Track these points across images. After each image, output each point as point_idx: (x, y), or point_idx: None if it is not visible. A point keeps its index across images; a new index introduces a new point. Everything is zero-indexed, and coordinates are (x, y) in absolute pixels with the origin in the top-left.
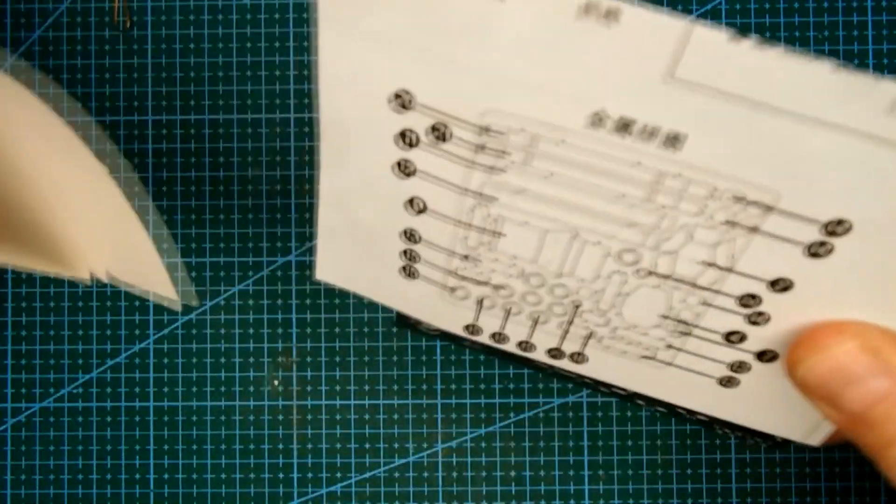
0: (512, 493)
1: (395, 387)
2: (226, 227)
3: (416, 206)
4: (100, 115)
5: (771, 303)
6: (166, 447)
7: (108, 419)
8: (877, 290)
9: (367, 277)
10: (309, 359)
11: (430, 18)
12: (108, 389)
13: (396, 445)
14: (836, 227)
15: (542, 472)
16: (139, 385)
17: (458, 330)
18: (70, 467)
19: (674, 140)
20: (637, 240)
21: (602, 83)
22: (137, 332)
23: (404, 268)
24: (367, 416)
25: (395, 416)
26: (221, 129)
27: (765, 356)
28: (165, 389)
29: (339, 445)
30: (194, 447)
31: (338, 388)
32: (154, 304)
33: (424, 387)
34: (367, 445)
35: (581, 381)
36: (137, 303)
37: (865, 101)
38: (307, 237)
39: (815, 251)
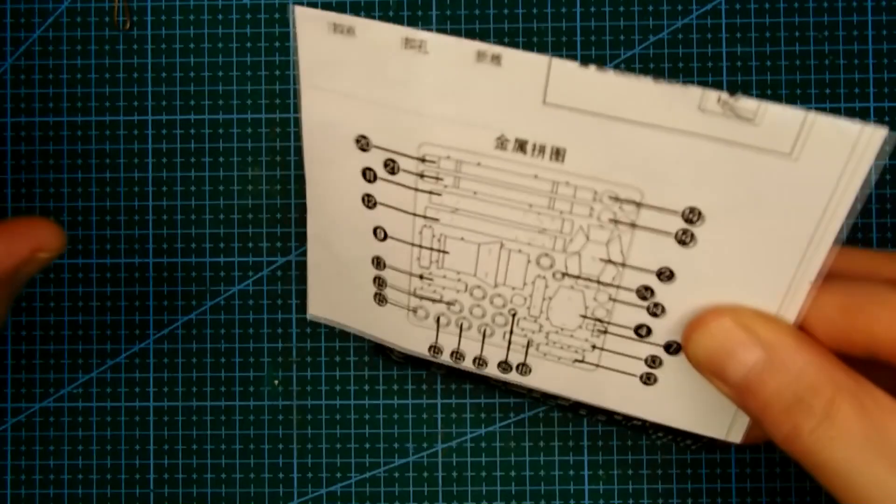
0: (512, 493)
1: (395, 387)
2: (226, 227)
3: (379, 234)
4: (100, 115)
5: (662, 293)
6: (166, 447)
7: (108, 419)
8: (740, 271)
9: (349, 309)
10: (309, 359)
11: (375, 74)
12: (108, 389)
13: (396, 445)
14: (692, 216)
15: (542, 472)
16: (139, 385)
17: (423, 351)
18: (70, 467)
19: (558, 153)
20: (549, 244)
21: (500, 112)
22: (137, 332)
23: (376, 295)
24: (367, 416)
25: (395, 416)
26: (221, 129)
27: (671, 348)
28: (165, 389)
29: (339, 445)
30: (194, 447)
31: (338, 388)
32: (154, 303)
33: (424, 387)
34: (367, 445)
35: (532, 396)
36: (137, 303)
37: (680, 104)
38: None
39: (683, 238)
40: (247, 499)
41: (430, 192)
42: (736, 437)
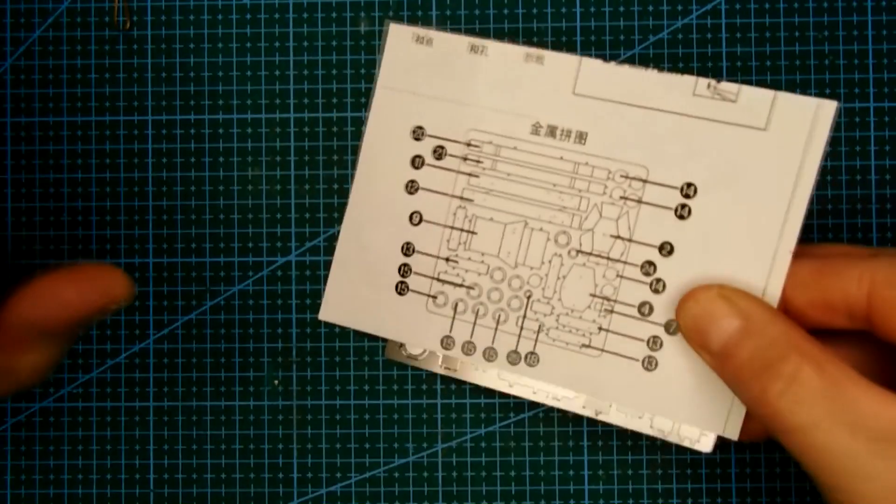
0: (512, 493)
1: (395, 387)
2: (226, 227)
3: (415, 218)
4: (99, 115)
5: (663, 268)
6: (166, 447)
7: (108, 419)
8: (730, 241)
9: (365, 305)
10: (309, 359)
11: (441, 74)
12: (108, 389)
13: (396, 445)
14: (688, 190)
15: (542, 472)
16: (139, 385)
17: (436, 344)
18: (70, 467)
19: (581, 137)
20: (567, 222)
21: (537, 102)
22: (137, 332)
23: (398, 284)
24: (367, 416)
25: (395, 416)
26: (221, 129)
27: (670, 327)
28: (165, 389)
29: (339, 445)
30: (194, 447)
31: (338, 388)
32: (154, 303)
33: (424, 387)
34: (367, 445)
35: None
36: (137, 303)
37: (678, 90)
38: (307, 237)
39: (681, 213)
40: (247, 499)
41: (470, 175)
42: (732, 432)
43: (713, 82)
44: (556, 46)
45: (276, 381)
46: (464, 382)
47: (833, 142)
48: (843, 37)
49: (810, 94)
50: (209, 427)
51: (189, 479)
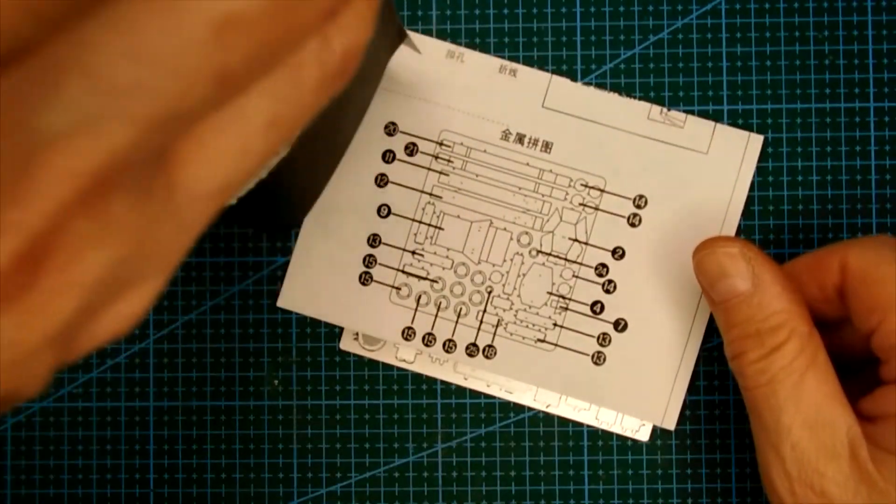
0: (512, 493)
1: (395, 387)
2: (226, 227)
3: (383, 211)
4: None
5: (615, 270)
6: (166, 447)
7: (108, 419)
8: (675, 246)
9: (326, 294)
10: (309, 359)
11: (418, 75)
12: (108, 389)
13: (396, 445)
14: (640, 201)
15: (542, 472)
16: (139, 385)
17: (396, 335)
18: (70, 467)
19: (546, 146)
20: (529, 223)
21: (509, 111)
22: (137, 332)
23: (362, 274)
24: (366, 416)
25: (395, 416)
26: None
27: (619, 326)
28: (165, 389)
29: (339, 445)
30: (194, 447)
31: (337, 387)
32: (154, 303)
33: (424, 387)
34: (367, 445)
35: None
36: None
37: (636, 114)
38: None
39: (633, 221)
40: (247, 499)
41: (441, 173)
42: (670, 423)
43: (664, 110)
44: (556, 46)
45: (276, 381)
46: (434, 380)
47: (833, 142)
48: (843, 37)
49: (809, 95)
50: (209, 427)
51: (189, 479)
